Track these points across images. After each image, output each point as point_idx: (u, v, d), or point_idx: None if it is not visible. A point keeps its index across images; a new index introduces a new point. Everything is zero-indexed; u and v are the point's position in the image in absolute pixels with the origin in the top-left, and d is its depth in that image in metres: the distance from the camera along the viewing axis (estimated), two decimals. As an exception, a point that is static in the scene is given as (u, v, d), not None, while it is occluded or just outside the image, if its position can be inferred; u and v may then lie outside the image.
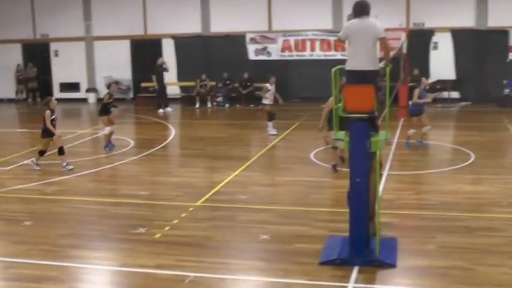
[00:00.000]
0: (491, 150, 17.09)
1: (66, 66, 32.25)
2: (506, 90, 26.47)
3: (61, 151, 15.67)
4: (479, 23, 27.46)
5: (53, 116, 15.58)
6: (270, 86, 20.66)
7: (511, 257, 9.33)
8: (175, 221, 11.40)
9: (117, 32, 30.83)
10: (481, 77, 27.15)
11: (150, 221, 11.47)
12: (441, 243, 10.01)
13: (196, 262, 9.39)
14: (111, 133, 18.34)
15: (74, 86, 32.42)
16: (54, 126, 15.64)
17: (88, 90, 32.18)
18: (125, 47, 31.45)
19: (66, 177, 15.06)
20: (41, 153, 15.71)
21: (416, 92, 17.11)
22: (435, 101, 17.57)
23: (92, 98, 31.90)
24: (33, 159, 15.84)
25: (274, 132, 20.47)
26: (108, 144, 18.25)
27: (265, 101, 20.68)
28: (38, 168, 15.62)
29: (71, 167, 15.60)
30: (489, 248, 9.73)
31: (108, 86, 19.35)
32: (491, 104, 26.09)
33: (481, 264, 9.06)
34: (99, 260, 9.71)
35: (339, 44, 25.63)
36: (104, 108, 18.32)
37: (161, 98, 27.79)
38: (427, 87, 18.02)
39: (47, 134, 15.60)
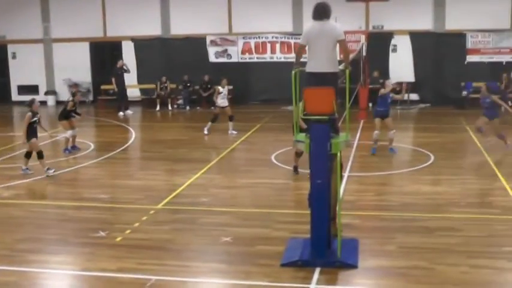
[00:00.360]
0: (450, 151, 17.30)
1: (24, 68, 31.81)
2: (464, 92, 26.85)
3: (40, 155, 15.38)
4: (437, 26, 27.83)
5: (35, 119, 15.34)
6: (222, 89, 20.73)
7: (469, 256, 9.45)
8: (136, 224, 11.33)
9: (76, 34, 30.51)
10: (439, 79, 27.50)
11: (110, 224, 11.39)
12: (401, 244, 10.10)
13: (158, 265, 9.35)
14: (73, 137, 18.21)
15: (32, 89, 31.92)
16: (35, 128, 15.40)
17: (47, 93, 31.76)
18: (84, 49, 31.14)
19: (24, 180, 14.86)
20: (27, 155, 15.41)
21: (382, 91, 17.13)
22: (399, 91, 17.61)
23: (51, 100, 31.50)
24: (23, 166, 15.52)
25: (234, 132, 20.79)
26: (72, 147, 18.14)
27: (217, 103, 20.75)
28: (30, 172, 15.30)
29: (52, 170, 15.35)
30: (448, 247, 9.84)
31: (74, 94, 19.19)
32: (450, 105, 26.44)
33: (440, 264, 9.16)
34: (59, 265, 9.60)
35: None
36: (65, 114, 18.17)
37: (121, 100, 27.60)
38: (397, 89, 18.00)
39: (30, 135, 15.29)
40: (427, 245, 9.97)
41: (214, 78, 28.16)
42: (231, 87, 23.57)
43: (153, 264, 9.37)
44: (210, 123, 20.89)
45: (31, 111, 15.33)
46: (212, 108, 21.40)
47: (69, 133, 18.04)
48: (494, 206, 12.03)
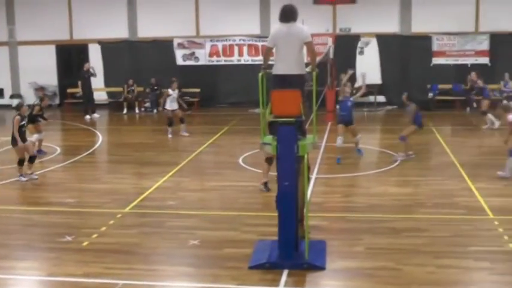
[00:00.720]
0: (416, 152, 17.41)
1: (-12, 71, 31.45)
2: (430, 94, 27.10)
3: (32, 160, 15.21)
4: (403, 29, 28.05)
5: (23, 122, 15.11)
6: (172, 91, 20.74)
7: (436, 256, 9.53)
8: (103, 228, 11.25)
9: (42, 36, 30.20)
10: (405, 82, 27.64)
11: (77, 228, 11.29)
12: (369, 245, 10.15)
13: (125, 269, 9.29)
14: (39, 141, 18.04)
15: (-3, 92, 31.67)
16: (24, 132, 15.18)
17: (12, 96, 31.37)
18: (50, 52, 30.83)
19: (-11, 185, 14.70)
20: (20, 162, 15.06)
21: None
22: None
23: (16, 104, 31.09)
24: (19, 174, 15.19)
25: (186, 134, 21.06)
26: (38, 151, 17.89)
27: (166, 106, 20.76)
28: (24, 179, 14.99)
29: (35, 177, 15.19)
30: (415, 248, 9.92)
31: (41, 99, 19.08)
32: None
33: (407, 264, 9.23)
34: (25, 270, 9.49)
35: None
36: (31, 118, 17.95)
37: (88, 104, 27.41)
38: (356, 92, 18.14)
39: (16, 141, 14.99)
40: (394, 246, 10.04)
41: (182, 81, 28.18)
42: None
43: (120, 269, 9.32)
44: (169, 128, 21.03)
45: (19, 114, 15.10)
46: (163, 110, 21.37)
47: (35, 137, 17.85)
48: (460, 207, 12.15)
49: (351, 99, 17.07)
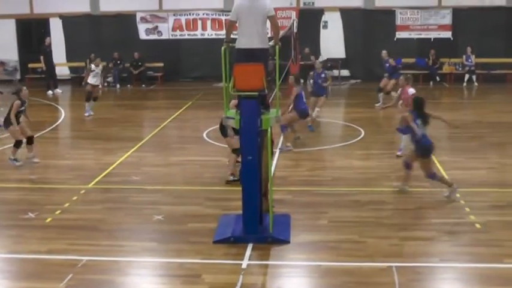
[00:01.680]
0: (380, 126, 17.52)
1: None
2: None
3: (30, 141, 14.48)
4: (367, 3, 28.11)
5: (22, 108, 14.43)
6: (94, 67, 20.51)
7: (399, 229, 9.64)
8: (67, 205, 11.17)
9: (1, 10, 29.62)
10: (369, 56, 27.73)
11: (40, 205, 11.19)
12: (333, 218, 10.22)
13: (89, 245, 9.25)
14: None
15: (-44, 68, 31.07)
16: (18, 118, 14.27)
17: (-29, 72, 30.88)
18: (10, 27, 30.27)
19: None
20: (17, 144, 14.26)
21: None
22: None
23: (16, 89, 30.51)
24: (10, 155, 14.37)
25: (90, 113, 20.49)
26: None
27: (89, 81, 20.49)
28: (18, 163, 14.14)
29: (36, 160, 14.39)
30: (379, 220, 10.02)
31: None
32: (380, 81, 26.68)
33: (371, 237, 9.31)
34: (-14, 248, 9.40)
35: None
36: None
37: (50, 79, 27.05)
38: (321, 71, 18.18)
39: (10, 123, 14.21)
40: (358, 219, 10.12)
41: (145, 55, 27.96)
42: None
43: (85, 245, 9.27)
44: (86, 104, 20.53)
45: (20, 99, 14.53)
46: (85, 86, 20.81)
47: None
48: (423, 180, 12.22)
49: (322, 75, 17.43)
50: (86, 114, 20.40)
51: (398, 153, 13.98)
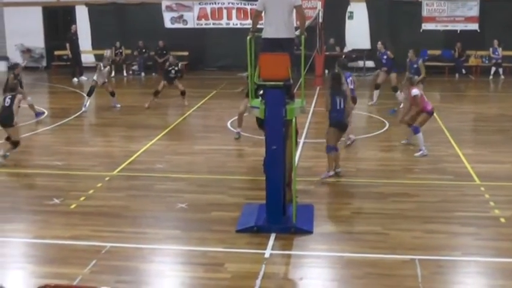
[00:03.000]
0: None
1: (-26, 33, 31.08)
2: (420, 60, 26.97)
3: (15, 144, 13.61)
4: (393, -6, 27.89)
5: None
6: (103, 67, 19.95)
7: (423, 221, 9.61)
8: (91, 191, 11.26)
9: (28, -2, 29.87)
10: (395, 47, 27.49)
11: (65, 191, 11.29)
12: (356, 209, 10.22)
13: (113, 232, 9.32)
14: (31, 105, 17.66)
15: (-17, 54, 31.31)
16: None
17: (-1, 59, 31.12)
18: (37, 14, 30.45)
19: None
20: (16, 145, 13.60)
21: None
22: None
23: (2, 66, 30.83)
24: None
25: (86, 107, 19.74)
26: (38, 114, 17.81)
27: (94, 78, 19.92)
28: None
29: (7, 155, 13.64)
30: (402, 213, 9.99)
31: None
32: (405, 73, 26.53)
33: (394, 229, 9.29)
34: (11, 233, 9.53)
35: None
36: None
37: (75, 66, 27.19)
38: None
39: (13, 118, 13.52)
40: (381, 211, 10.10)
41: (170, 44, 27.95)
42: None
43: (108, 231, 9.35)
44: (86, 97, 19.94)
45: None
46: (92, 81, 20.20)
47: (29, 100, 17.54)
48: (447, 172, 12.20)
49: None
50: (83, 108, 19.55)
51: (417, 154, 13.73)
